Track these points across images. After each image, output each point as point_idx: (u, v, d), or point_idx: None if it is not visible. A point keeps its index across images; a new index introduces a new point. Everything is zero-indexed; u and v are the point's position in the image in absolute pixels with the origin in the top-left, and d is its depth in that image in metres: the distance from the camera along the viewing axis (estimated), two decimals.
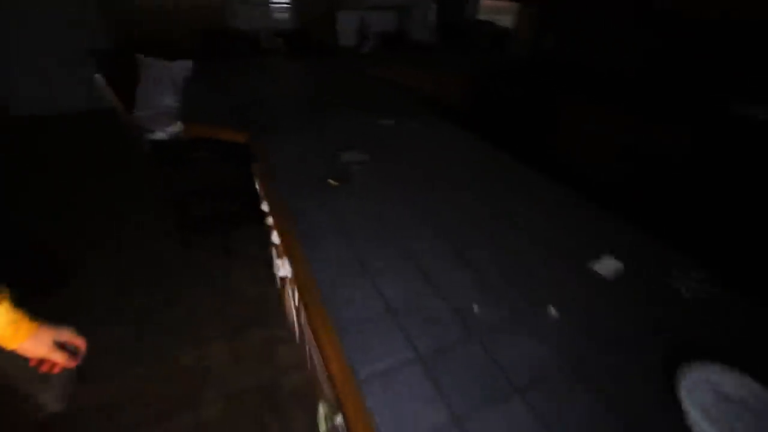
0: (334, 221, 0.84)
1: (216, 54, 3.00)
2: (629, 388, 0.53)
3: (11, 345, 0.66)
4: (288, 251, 0.77)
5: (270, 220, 0.97)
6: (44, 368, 0.71)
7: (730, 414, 0.48)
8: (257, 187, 1.20)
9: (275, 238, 0.94)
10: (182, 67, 1.92)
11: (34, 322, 0.68)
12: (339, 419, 0.61)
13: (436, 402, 0.50)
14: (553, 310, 0.65)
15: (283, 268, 0.92)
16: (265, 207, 1.05)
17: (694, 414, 0.48)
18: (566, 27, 2.56)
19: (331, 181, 0.97)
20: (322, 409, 0.80)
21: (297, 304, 0.95)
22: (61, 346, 0.71)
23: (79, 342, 0.75)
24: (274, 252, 1.09)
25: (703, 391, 0.51)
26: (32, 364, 0.70)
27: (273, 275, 1.37)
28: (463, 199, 0.95)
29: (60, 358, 0.69)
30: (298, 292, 0.71)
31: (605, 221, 0.90)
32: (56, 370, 0.72)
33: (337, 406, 0.59)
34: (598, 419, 0.49)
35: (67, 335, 0.72)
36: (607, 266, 0.76)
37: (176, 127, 1.63)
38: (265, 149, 1.12)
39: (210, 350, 1.40)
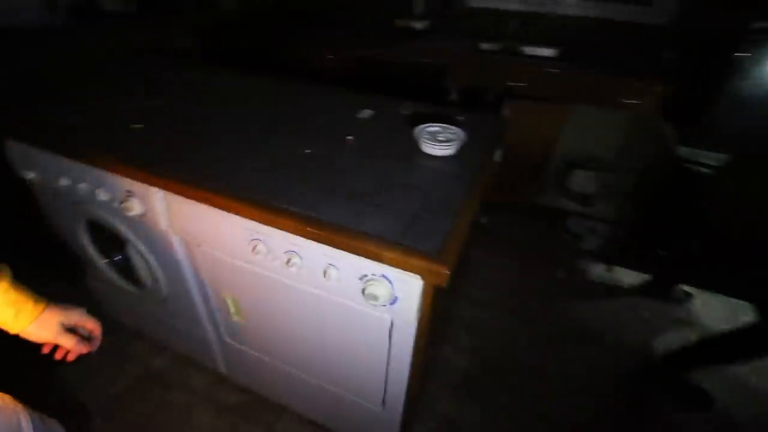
0: None
1: None
2: (392, 146, 0.99)
3: (14, 329, 0.58)
4: None
5: None
6: (57, 356, 0.62)
7: (432, 135, 0.99)
8: None
9: None
10: None
11: (40, 304, 0.60)
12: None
13: None
14: (350, 137, 1.05)
15: None
16: None
17: (418, 136, 0.97)
18: None
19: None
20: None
21: None
22: (72, 330, 0.63)
23: (92, 325, 0.66)
24: None
25: (423, 131, 1.00)
26: (44, 351, 0.62)
27: None
28: (262, 118, 1.21)
29: (69, 343, 0.62)
30: None
31: (358, 95, 1.35)
32: (70, 357, 0.64)
33: None
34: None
35: (77, 317, 0.63)
36: (366, 114, 1.21)
37: None
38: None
39: None
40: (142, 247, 1.10)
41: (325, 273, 0.80)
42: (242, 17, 2.97)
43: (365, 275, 0.76)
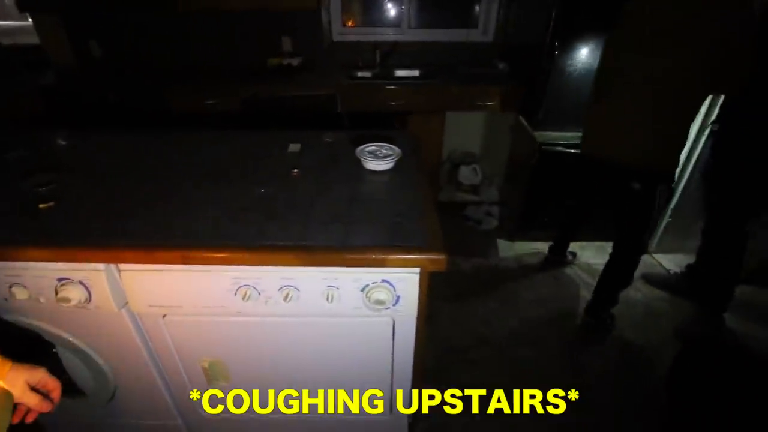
0: None
1: None
2: (337, 169, 1.07)
3: None
4: None
5: None
6: (16, 418, 0.64)
7: (372, 153, 1.11)
8: None
9: None
10: None
11: (6, 362, 0.63)
12: None
13: None
14: (295, 171, 1.09)
15: None
16: None
17: (359, 156, 1.08)
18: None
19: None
20: None
21: None
22: (34, 389, 0.66)
23: (53, 384, 0.69)
24: None
25: (363, 152, 1.11)
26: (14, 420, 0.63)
27: None
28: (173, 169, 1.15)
29: (33, 401, 0.65)
30: None
31: (273, 133, 1.38)
32: (30, 417, 0.66)
33: None
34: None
35: (41, 375, 0.67)
36: (295, 148, 1.26)
37: None
38: None
39: None
40: (79, 344, 0.94)
41: (327, 296, 0.83)
42: (86, 74, 2.64)
43: (366, 285, 0.83)
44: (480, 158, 2.77)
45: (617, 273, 1.75)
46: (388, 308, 0.85)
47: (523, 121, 2.26)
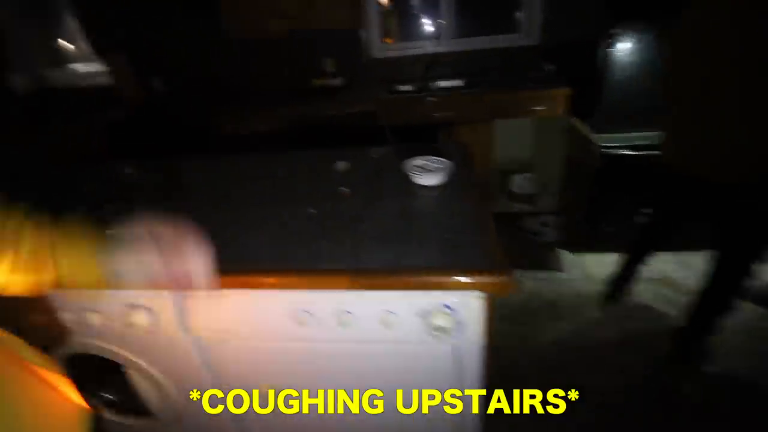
0: None
1: None
2: (387, 186, 1.04)
3: None
4: None
5: None
6: None
7: (421, 167, 1.07)
8: None
9: None
10: None
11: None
12: None
13: None
14: (344, 189, 1.07)
15: None
16: None
17: (408, 171, 1.04)
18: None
19: None
20: None
21: None
22: None
23: None
24: None
25: (412, 166, 1.07)
26: None
27: None
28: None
29: None
30: None
31: (322, 151, 1.39)
32: None
33: None
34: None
35: None
36: (343, 165, 1.25)
37: None
38: None
39: None
40: (147, 366, 0.97)
41: (383, 321, 0.79)
42: (150, 107, 2.87)
43: (425, 310, 0.78)
44: (533, 166, 2.64)
45: (718, 298, 1.45)
46: (449, 335, 0.79)
47: (579, 123, 2.12)
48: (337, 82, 2.72)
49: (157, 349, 0.94)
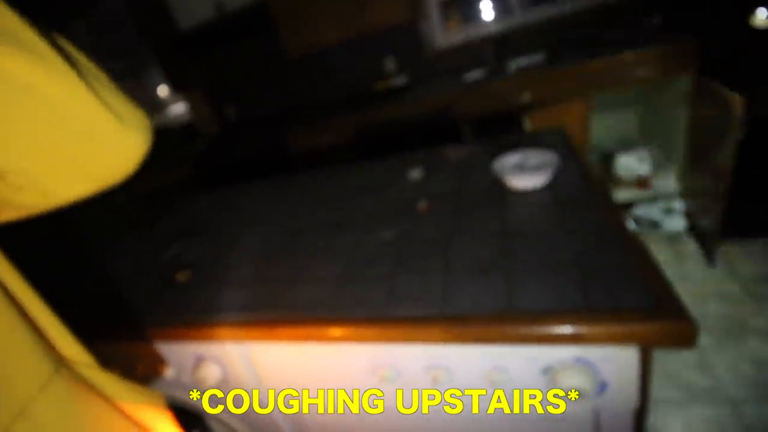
0: None
1: None
2: (474, 195, 0.83)
3: None
4: None
5: None
6: None
7: (518, 167, 0.84)
8: None
9: None
10: None
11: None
12: None
13: None
14: (422, 204, 0.89)
15: None
16: None
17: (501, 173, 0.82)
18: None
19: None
20: None
21: None
22: None
23: None
24: None
25: (505, 167, 0.85)
26: None
27: None
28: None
29: None
30: None
31: (392, 160, 1.23)
32: None
33: None
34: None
35: None
36: (417, 174, 1.07)
37: None
38: None
39: None
40: (227, 419, 0.89)
41: (491, 381, 0.59)
42: (225, 136, 3.00)
43: (550, 367, 0.56)
44: (643, 143, 2.18)
45: None
46: (586, 398, 0.56)
47: (711, 83, 1.66)
48: (400, 81, 2.56)
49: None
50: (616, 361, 0.53)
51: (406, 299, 0.63)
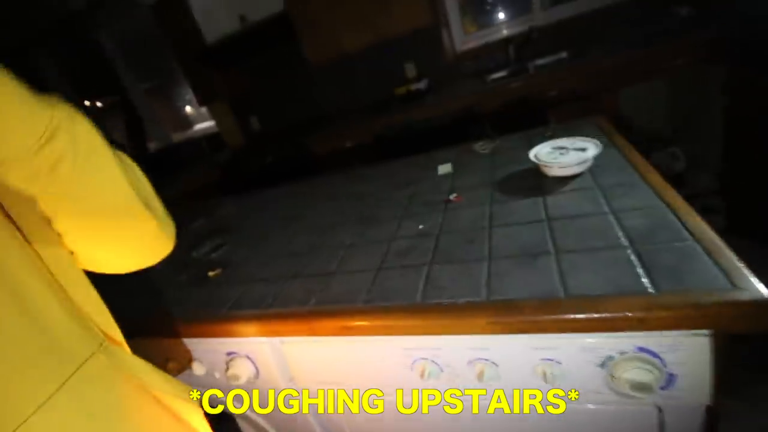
0: None
1: None
2: (510, 185, 0.79)
3: None
4: None
5: None
6: None
7: (557, 154, 0.80)
8: None
9: None
10: None
11: None
12: None
13: None
14: (454, 196, 0.86)
15: None
16: None
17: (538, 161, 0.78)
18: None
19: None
20: None
21: None
22: None
23: None
24: None
25: (543, 155, 0.81)
26: None
27: None
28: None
29: None
30: None
31: (417, 157, 1.21)
32: None
33: None
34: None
35: None
36: (445, 168, 1.04)
37: None
38: None
39: None
40: (256, 418, 0.87)
41: (541, 374, 0.55)
42: (249, 145, 3.06)
43: (609, 357, 0.51)
44: (675, 138, 2.09)
45: None
46: (651, 393, 0.51)
47: (746, 72, 1.58)
48: (421, 85, 2.55)
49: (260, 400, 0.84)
50: (685, 350, 0.48)
51: (446, 288, 0.60)
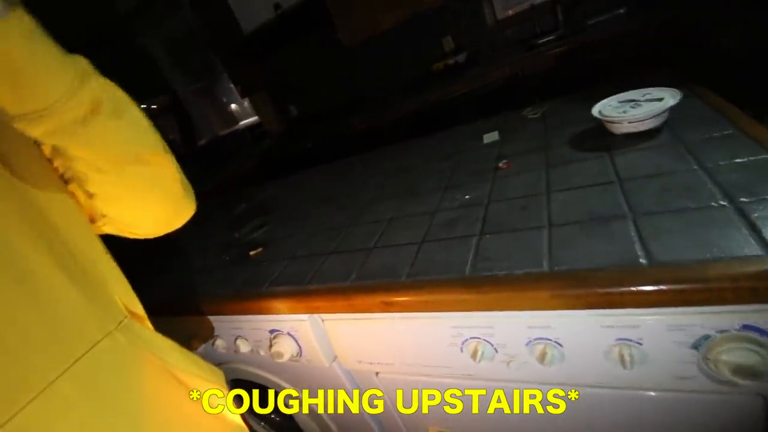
0: None
1: None
2: (566, 148, 0.70)
3: None
4: None
5: None
6: None
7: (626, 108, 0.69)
8: None
9: None
10: None
11: None
12: None
13: None
14: (503, 163, 0.78)
15: None
16: None
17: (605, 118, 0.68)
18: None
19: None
20: None
21: None
22: None
23: None
24: None
25: (609, 110, 0.71)
26: None
27: None
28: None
29: None
30: None
31: (462, 127, 1.13)
32: None
33: None
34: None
35: None
36: (491, 137, 0.96)
37: None
38: None
39: None
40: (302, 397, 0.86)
41: (618, 357, 0.47)
42: (289, 131, 3.09)
43: (705, 337, 0.43)
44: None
45: None
46: (758, 379, 0.42)
47: None
48: (461, 58, 2.42)
49: (309, 380, 0.82)
50: None
51: (499, 260, 0.53)
